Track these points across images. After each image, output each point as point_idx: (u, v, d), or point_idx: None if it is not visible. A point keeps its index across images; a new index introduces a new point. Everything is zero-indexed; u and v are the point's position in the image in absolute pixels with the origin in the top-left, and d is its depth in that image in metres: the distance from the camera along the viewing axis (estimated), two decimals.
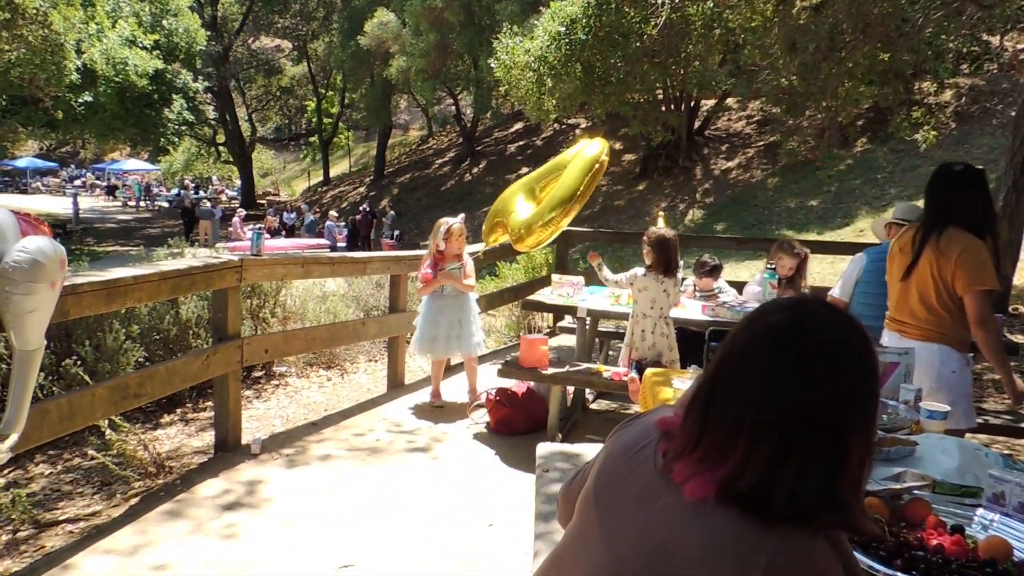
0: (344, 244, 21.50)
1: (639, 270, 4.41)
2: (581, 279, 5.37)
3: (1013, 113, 17.92)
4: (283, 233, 25.21)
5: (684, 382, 2.89)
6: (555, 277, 5.42)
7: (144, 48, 21.92)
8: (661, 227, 4.57)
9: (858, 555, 1.54)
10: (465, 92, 29.28)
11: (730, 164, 22.41)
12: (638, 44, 9.83)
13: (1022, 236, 8.06)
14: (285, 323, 6.96)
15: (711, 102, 22.88)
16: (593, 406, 5.54)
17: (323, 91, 38.48)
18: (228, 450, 4.36)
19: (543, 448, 3.33)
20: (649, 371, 3.24)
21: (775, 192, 19.76)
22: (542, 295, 5.41)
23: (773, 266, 4.70)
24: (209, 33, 27.52)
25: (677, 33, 9.75)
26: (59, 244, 2.65)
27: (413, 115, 42.32)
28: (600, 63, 9.38)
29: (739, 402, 1.10)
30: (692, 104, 21.96)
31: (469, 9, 23.05)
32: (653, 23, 8.79)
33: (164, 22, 23.34)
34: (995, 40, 19.28)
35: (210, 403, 5.91)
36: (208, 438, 5.06)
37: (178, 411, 5.67)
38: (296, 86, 40.06)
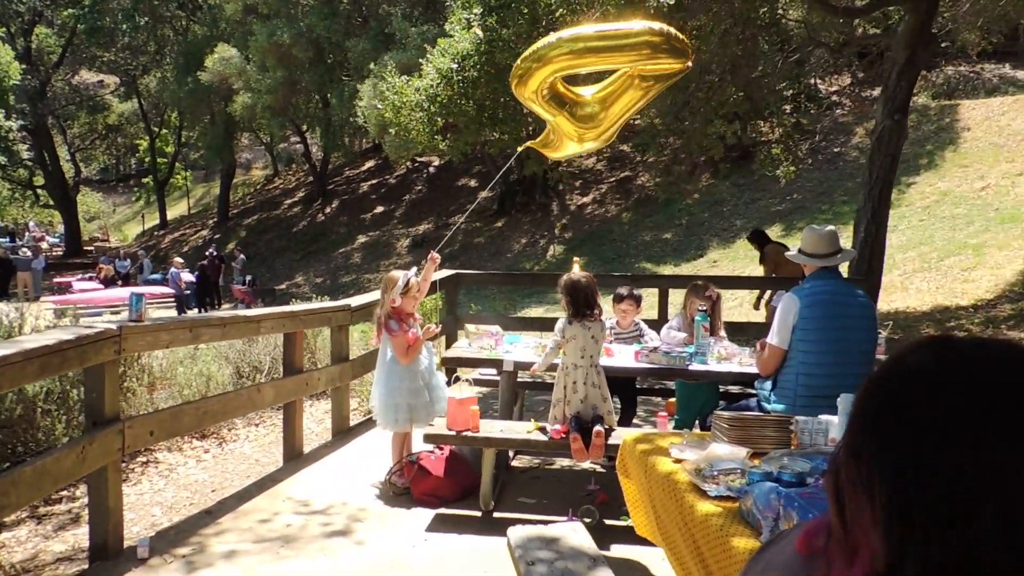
0: (189, 292, 19.88)
1: (562, 320, 4.11)
2: (499, 328, 5.01)
3: (836, 150, 19.65)
4: (119, 283, 23.09)
5: (683, 450, 2.58)
6: (471, 327, 5.03)
7: None
8: (575, 272, 4.31)
9: None
10: (311, 131, 28.38)
11: (585, 200, 22.95)
12: None
13: (883, 265, 8.56)
14: (152, 390, 6.11)
15: None
16: (515, 463, 5.16)
17: (156, 129, 36.06)
18: (108, 557, 3.58)
19: (516, 534, 2.92)
20: (629, 436, 2.92)
21: (630, 226, 20.37)
22: (460, 348, 4.99)
23: (704, 308, 4.56)
24: (23, 66, 25.04)
25: None
26: None
27: (256, 153, 40.56)
28: (491, 100, 9.18)
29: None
30: None
31: (318, 46, 22.35)
32: None
33: None
34: (812, 82, 20.97)
35: (65, 492, 5.01)
36: (72, 538, 4.22)
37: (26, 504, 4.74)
38: (125, 124, 37.27)
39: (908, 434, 0.75)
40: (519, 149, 5.30)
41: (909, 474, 0.73)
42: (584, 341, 4.09)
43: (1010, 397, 0.73)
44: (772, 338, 3.78)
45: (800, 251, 3.91)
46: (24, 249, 25.33)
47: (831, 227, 3.90)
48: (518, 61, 4.33)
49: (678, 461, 2.55)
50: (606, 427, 4.02)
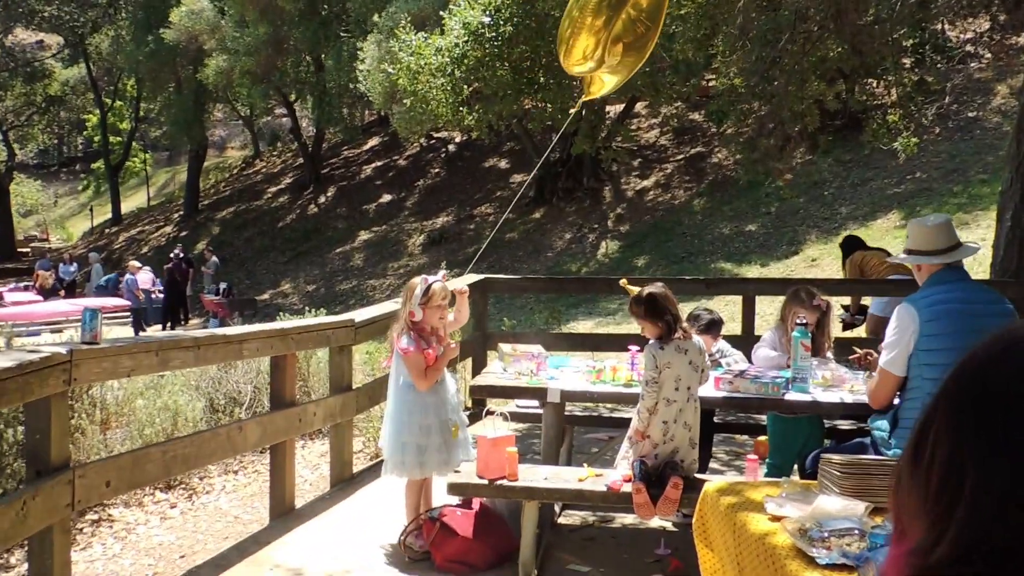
0: (147, 306, 20.19)
1: (652, 346, 4.07)
2: (540, 347, 5.01)
3: (972, 114, 19.36)
4: (61, 293, 23.58)
5: (783, 504, 2.55)
6: (505, 347, 5.03)
7: None
8: (639, 289, 4.27)
9: None
10: (301, 102, 28.76)
11: (646, 183, 22.92)
12: None
13: None
14: (106, 429, 6.22)
15: (616, 108, 23.33)
16: (562, 520, 5.16)
17: (108, 101, 36.83)
18: None
19: None
20: (711, 487, 2.90)
21: (704, 216, 20.29)
22: (493, 375, 5.00)
23: (803, 321, 4.51)
24: None
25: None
26: None
27: (232, 130, 41.22)
28: (531, 62, 9.14)
29: None
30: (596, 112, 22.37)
31: None
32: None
33: None
34: (939, 29, 20.70)
35: None
36: None
37: None
38: (70, 94, 38.14)
39: (970, 425, 0.91)
40: (571, 112, 5.38)
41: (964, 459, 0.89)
42: (680, 368, 4.05)
43: None
44: (884, 360, 3.73)
45: (909, 251, 3.84)
46: None
47: (943, 216, 3.84)
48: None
49: (776, 519, 2.53)
50: (683, 475, 3.99)
